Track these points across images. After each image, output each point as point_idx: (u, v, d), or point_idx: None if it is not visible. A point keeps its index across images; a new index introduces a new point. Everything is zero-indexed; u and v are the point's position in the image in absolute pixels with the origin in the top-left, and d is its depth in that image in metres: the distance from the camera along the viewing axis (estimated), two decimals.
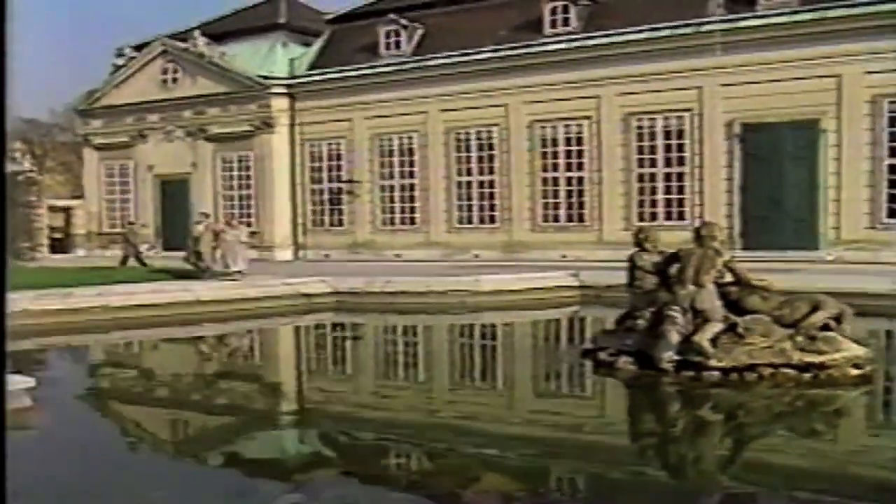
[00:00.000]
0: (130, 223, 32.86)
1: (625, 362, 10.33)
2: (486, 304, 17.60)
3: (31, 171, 32.57)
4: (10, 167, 23.33)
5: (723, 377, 9.63)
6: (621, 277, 18.71)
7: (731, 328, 9.99)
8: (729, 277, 10.45)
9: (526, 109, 29.46)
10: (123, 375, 12.49)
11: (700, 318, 10.00)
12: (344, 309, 17.86)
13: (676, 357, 9.91)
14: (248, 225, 33.77)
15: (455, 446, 7.76)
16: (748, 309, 10.26)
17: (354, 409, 9.73)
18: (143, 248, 30.72)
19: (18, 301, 14.39)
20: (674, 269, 10.48)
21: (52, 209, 37.40)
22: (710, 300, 10.05)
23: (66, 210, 37.93)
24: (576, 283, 19.06)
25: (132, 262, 28.08)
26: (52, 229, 36.92)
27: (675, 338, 9.97)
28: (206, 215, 26.60)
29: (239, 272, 21.89)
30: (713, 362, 9.70)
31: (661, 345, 10.02)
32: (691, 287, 10.09)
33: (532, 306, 17.89)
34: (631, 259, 11.43)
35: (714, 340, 9.82)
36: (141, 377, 12.32)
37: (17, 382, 8.22)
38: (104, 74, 38.15)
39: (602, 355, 10.76)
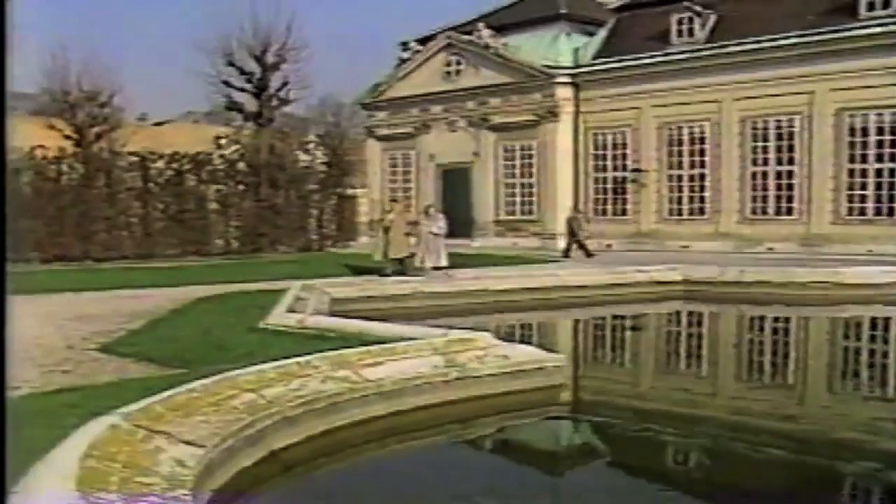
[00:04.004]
0: (577, 212, 30.45)
1: None
2: (849, 298, 16.96)
3: (342, 162, 34.09)
4: (307, 159, 24.03)
5: None
6: None
7: None
8: None
9: (833, 97, 28.18)
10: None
11: None
12: (695, 298, 17.70)
13: None
14: (529, 213, 34.26)
15: None
16: None
17: None
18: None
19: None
20: None
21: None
22: None
23: (351, 199, 39.63)
24: None
25: (574, 251, 27.04)
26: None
27: None
28: (396, 200, 22.88)
29: (431, 269, 18.98)
30: None
31: None
32: None
33: None
34: None
35: None
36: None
37: (548, 360, 8.48)
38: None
39: None
